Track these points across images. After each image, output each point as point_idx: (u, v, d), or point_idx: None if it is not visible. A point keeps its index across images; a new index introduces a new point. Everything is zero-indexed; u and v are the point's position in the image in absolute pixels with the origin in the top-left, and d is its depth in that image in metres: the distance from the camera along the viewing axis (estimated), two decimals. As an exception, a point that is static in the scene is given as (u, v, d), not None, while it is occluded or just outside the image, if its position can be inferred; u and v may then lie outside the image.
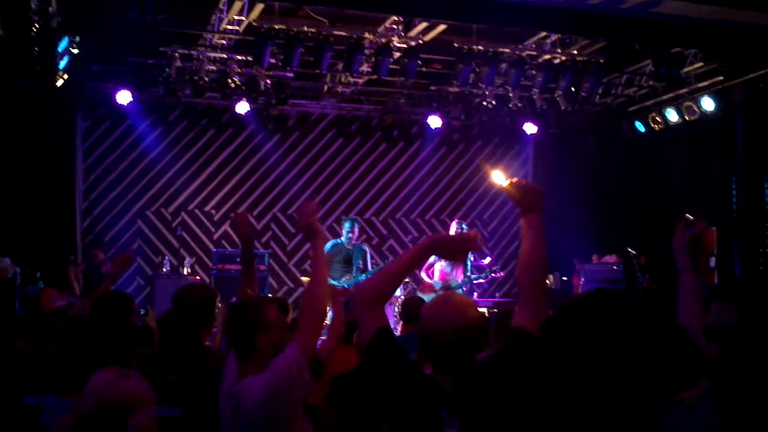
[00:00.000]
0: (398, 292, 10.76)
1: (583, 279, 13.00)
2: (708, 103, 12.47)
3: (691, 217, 2.92)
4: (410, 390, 2.74)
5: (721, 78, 12.22)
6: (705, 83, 12.51)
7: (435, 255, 3.40)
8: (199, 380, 3.99)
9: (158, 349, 4.33)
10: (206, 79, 12.00)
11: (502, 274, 11.94)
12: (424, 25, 11.20)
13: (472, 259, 11.49)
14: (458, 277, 11.18)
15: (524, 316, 2.86)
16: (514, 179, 2.99)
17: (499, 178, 3.02)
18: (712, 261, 12.19)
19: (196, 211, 13.74)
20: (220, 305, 4.57)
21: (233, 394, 3.28)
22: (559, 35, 12.09)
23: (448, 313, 2.85)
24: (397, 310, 10.06)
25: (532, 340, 2.77)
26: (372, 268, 10.83)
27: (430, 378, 2.77)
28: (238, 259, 12.03)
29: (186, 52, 11.82)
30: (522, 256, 2.96)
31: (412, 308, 6.10)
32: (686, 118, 12.89)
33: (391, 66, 11.72)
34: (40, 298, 10.52)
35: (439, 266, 11.14)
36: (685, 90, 12.81)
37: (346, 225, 11.08)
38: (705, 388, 2.74)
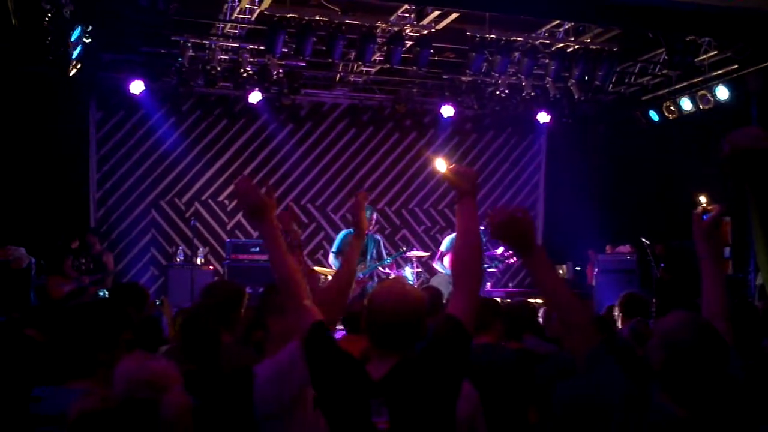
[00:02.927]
0: (411, 280, 10.73)
1: (596, 269, 12.97)
2: (722, 92, 12.39)
3: (704, 201, 2.87)
4: (339, 380, 2.81)
5: (735, 66, 12.13)
6: (719, 72, 12.42)
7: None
8: (214, 371, 4.02)
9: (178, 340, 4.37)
10: (219, 68, 12.00)
11: (515, 259, 11.85)
12: (436, 13, 11.18)
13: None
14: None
15: (457, 303, 2.91)
16: (452, 165, 3.11)
17: (441, 165, 3.12)
18: (727, 251, 12.12)
19: (210, 201, 13.76)
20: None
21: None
22: (573, 23, 12.04)
23: (392, 296, 2.91)
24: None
25: (461, 330, 2.81)
26: (386, 257, 10.83)
27: (361, 368, 2.82)
28: (252, 249, 12.18)
29: (198, 41, 11.83)
30: (455, 242, 3.10)
31: (430, 299, 5.91)
32: (700, 106, 12.81)
33: (404, 55, 11.71)
34: (46, 286, 10.57)
35: (449, 257, 11.11)
36: (699, 79, 12.73)
37: (365, 213, 11.06)
38: None
